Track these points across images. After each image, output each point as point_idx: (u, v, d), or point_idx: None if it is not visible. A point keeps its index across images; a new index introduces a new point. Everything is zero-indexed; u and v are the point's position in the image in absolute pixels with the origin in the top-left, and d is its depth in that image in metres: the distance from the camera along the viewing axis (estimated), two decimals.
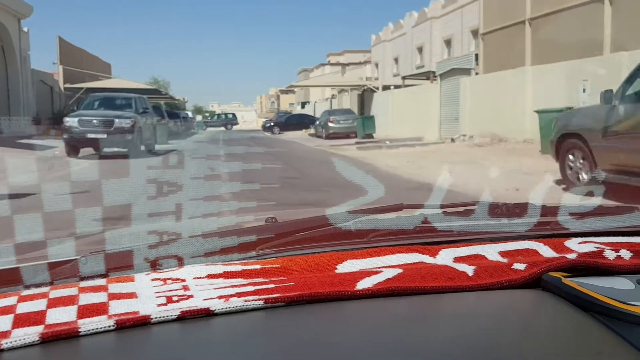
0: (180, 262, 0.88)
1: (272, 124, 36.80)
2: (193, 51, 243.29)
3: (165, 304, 0.68)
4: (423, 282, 0.76)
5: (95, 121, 14.05)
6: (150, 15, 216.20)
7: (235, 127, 53.10)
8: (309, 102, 51.27)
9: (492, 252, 0.89)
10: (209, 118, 61.23)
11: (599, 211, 1.11)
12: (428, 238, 0.99)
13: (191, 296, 0.71)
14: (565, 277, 0.76)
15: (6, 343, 0.59)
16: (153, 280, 0.77)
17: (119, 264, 0.86)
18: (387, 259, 0.85)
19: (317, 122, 27.51)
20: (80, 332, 0.62)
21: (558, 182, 6.85)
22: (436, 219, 1.06)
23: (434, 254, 0.88)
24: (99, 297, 0.70)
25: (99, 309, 0.66)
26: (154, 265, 0.87)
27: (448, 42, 30.02)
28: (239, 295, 0.71)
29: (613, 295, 0.69)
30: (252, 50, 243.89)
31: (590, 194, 1.30)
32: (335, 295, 0.72)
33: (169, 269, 0.83)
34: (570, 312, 0.68)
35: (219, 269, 0.81)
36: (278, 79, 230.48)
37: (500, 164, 9.95)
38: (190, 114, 40.06)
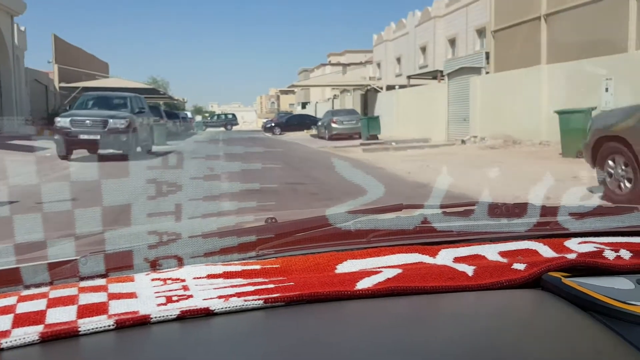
0: (180, 262, 0.88)
1: (273, 124, 36.27)
2: (193, 51, 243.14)
3: (165, 304, 0.68)
4: (423, 282, 0.76)
5: (88, 121, 13.39)
6: (150, 15, 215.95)
7: (235, 128, 52.85)
8: (309, 103, 51.09)
9: (491, 252, 0.89)
10: (209, 118, 61.02)
11: (598, 211, 1.11)
12: (428, 238, 0.99)
13: (191, 296, 0.71)
14: (565, 277, 0.76)
15: (6, 342, 0.59)
16: (153, 280, 0.77)
17: (119, 264, 0.86)
18: (386, 259, 0.85)
19: (320, 123, 26.88)
20: (80, 331, 0.62)
21: (590, 189, 6.35)
22: (436, 219, 1.06)
23: (433, 254, 0.88)
24: (98, 297, 0.70)
25: (98, 309, 0.67)
26: (154, 265, 0.87)
27: (452, 42, 29.85)
28: (238, 295, 0.71)
29: (613, 295, 0.69)
30: (252, 50, 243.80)
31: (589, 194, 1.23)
32: (335, 295, 0.72)
33: (169, 269, 0.83)
34: (570, 312, 0.68)
35: (219, 269, 0.81)
36: (278, 79, 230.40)
37: (524, 169, 9.24)
38: (189, 114, 39.68)
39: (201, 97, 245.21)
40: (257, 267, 0.82)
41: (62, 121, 13.37)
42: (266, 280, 0.77)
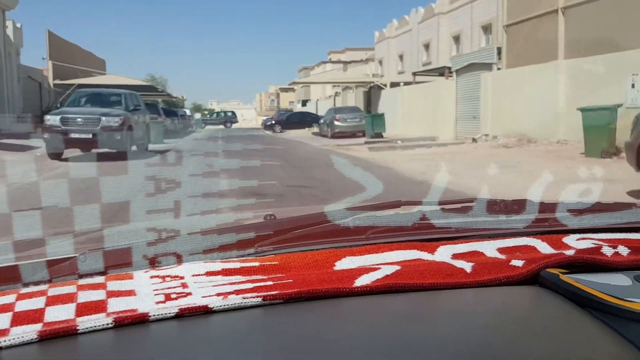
0: (179, 259, 0.88)
1: (273, 122, 35.67)
2: (192, 49, 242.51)
3: (163, 302, 0.68)
4: (421, 278, 0.76)
5: (79, 119, 12.68)
6: (149, 12, 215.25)
7: (234, 125, 52.63)
8: (309, 100, 50.74)
9: (490, 248, 0.89)
10: (208, 116, 60.59)
11: (597, 208, 1.10)
12: (426, 235, 0.99)
13: (189, 294, 0.71)
14: (563, 273, 0.76)
15: (5, 341, 0.59)
16: (151, 277, 0.77)
17: (118, 262, 0.86)
18: (385, 256, 0.85)
19: (322, 121, 26.19)
20: (78, 329, 0.61)
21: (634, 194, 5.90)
22: (434, 215, 1.06)
23: (432, 251, 0.88)
24: (97, 295, 0.70)
25: (97, 307, 0.66)
26: (153, 262, 0.87)
27: (457, 38, 29.45)
28: (237, 292, 0.70)
29: (610, 291, 0.68)
30: (251, 48, 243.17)
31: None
32: (334, 292, 0.72)
33: (168, 267, 0.83)
34: (568, 308, 0.68)
35: (218, 266, 0.81)
36: (278, 77, 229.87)
37: (547, 170, 8.53)
38: (188, 112, 39.11)
39: (200, 94, 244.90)
40: (256, 264, 0.82)
41: (52, 119, 12.68)
42: (265, 277, 0.77)
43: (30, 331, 0.60)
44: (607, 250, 0.84)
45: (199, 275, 0.77)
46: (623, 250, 0.85)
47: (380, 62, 37.84)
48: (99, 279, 0.76)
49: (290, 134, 29.50)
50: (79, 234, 1.11)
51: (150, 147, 15.56)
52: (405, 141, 17.88)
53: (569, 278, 0.73)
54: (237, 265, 0.81)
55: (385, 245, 0.89)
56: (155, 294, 0.71)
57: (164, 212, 1.26)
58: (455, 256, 0.86)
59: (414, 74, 24.93)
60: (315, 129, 29.14)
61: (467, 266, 0.80)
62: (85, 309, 0.66)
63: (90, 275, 0.81)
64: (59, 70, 28.65)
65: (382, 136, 20.69)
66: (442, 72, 22.52)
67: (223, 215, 1.39)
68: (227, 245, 0.91)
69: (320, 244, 0.94)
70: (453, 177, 8.38)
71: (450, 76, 19.96)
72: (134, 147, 13.82)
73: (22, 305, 0.67)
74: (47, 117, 12.89)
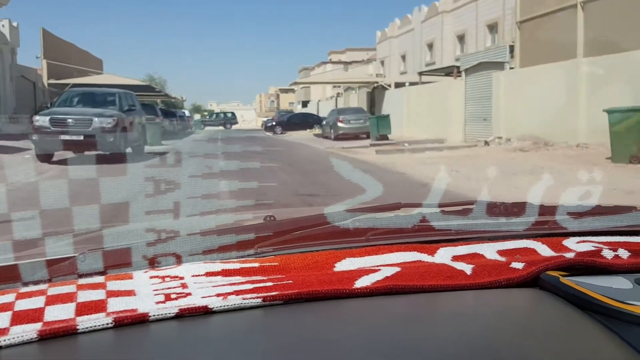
0: (179, 259, 0.88)
1: (274, 123, 34.99)
2: (192, 49, 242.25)
3: (163, 302, 0.68)
4: (421, 280, 0.76)
5: (70, 120, 11.97)
6: (148, 13, 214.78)
7: (234, 127, 52.13)
8: (310, 101, 50.27)
9: (490, 251, 0.89)
10: (208, 117, 60.07)
11: (597, 211, 1.09)
12: (426, 237, 0.99)
13: (189, 294, 0.71)
14: (563, 276, 0.75)
15: (4, 340, 0.59)
16: (151, 277, 0.77)
17: (117, 262, 0.86)
18: (385, 258, 0.85)
19: (324, 122, 25.43)
20: (78, 329, 0.61)
21: None
22: (434, 217, 1.06)
23: (432, 253, 0.88)
24: (97, 295, 0.70)
25: (97, 307, 0.66)
26: (152, 262, 0.87)
27: (461, 38, 29.02)
28: (237, 293, 0.70)
29: (611, 294, 0.68)
30: (251, 48, 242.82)
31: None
32: (333, 293, 0.72)
33: (167, 267, 0.83)
34: (568, 311, 0.68)
35: (217, 266, 0.81)
36: (278, 78, 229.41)
37: (577, 177, 7.82)
38: (187, 113, 38.45)
39: (200, 95, 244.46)
40: (256, 265, 0.82)
41: (40, 120, 11.95)
42: (264, 278, 0.77)
43: (29, 330, 0.60)
44: (608, 253, 0.84)
45: (198, 275, 0.78)
46: (623, 253, 0.84)
47: (382, 63, 37.60)
48: (99, 279, 0.76)
49: (291, 136, 28.72)
50: (79, 234, 1.10)
51: (147, 149, 15.02)
52: (413, 144, 17.16)
53: (569, 281, 0.73)
54: (237, 266, 0.81)
55: (385, 247, 0.89)
56: (155, 294, 0.70)
57: (163, 213, 1.25)
58: (455, 258, 0.86)
59: (420, 73, 24.19)
60: (317, 131, 28.52)
61: (467, 268, 0.79)
62: (85, 309, 0.66)
63: (90, 275, 0.81)
64: (53, 69, 27.80)
65: (387, 138, 19.92)
66: (449, 71, 21.85)
67: (223, 216, 1.39)
68: (226, 246, 0.91)
69: (320, 246, 0.94)
70: (475, 184, 7.66)
71: (459, 76, 19.17)
72: (129, 149, 13.27)
73: (22, 305, 0.67)
74: (36, 117, 12.16)
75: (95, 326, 0.62)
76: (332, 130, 23.00)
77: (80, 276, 0.82)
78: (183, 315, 0.65)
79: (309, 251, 0.89)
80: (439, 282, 0.76)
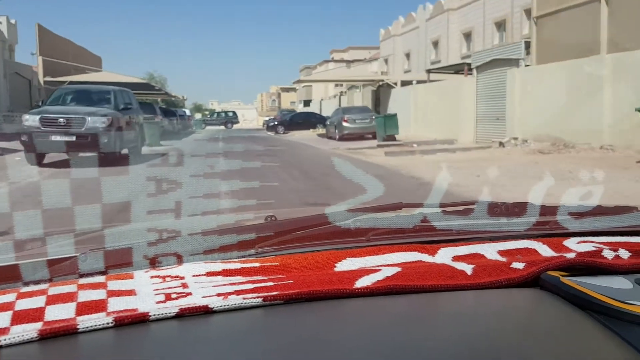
0: (180, 259, 0.88)
1: (276, 122, 34.16)
2: (192, 49, 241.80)
3: (164, 302, 0.68)
4: (422, 280, 0.76)
5: (61, 119, 11.23)
6: (149, 11, 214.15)
7: (235, 126, 51.29)
8: (311, 100, 49.76)
9: (491, 251, 0.89)
10: (209, 116, 59.37)
11: (597, 211, 1.09)
12: (427, 237, 0.99)
13: (190, 294, 0.71)
14: (563, 276, 0.75)
15: (5, 339, 0.59)
16: (152, 277, 0.77)
17: (118, 262, 0.86)
18: (386, 258, 0.85)
19: (328, 122, 24.64)
20: (78, 329, 0.61)
21: None
22: (435, 218, 1.06)
23: (433, 253, 0.88)
24: (97, 294, 0.70)
25: (97, 306, 0.66)
26: (153, 262, 0.87)
27: (467, 35, 28.53)
28: (237, 292, 0.70)
29: (611, 294, 0.68)
30: (252, 47, 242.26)
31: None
32: (334, 293, 0.71)
33: (168, 267, 0.83)
34: (569, 311, 0.68)
35: (218, 266, 0.81)
36: (279, 77, 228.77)
37: (622, 185, 7.08)
38: (187, 112, 37.76)
39: (201, 94, 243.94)
40: (257, 265, 0.81)
41: (30, 119, 11.22)
42: (265, 278, 0.77)
43: (30, 330, 0.60)
44: (608, 254, 0.84)
45: (199, 275, 0.78)
46: (624, 254, 0.84)
47: (386, 61, 37.22)
48: (100, 279, 0.76)
49: (294, 136, 27.92)
50: (80, 234, 1.10)
51: (146, 149, 14.36)
52: (422, 144, 16.44)
53: (570, 281, 0.73)
54: (238, 265, 0.81)
55: (386, 247, 0.89)
56: (156, 294, 0.70)
57: (164, 213, 1.24)
58: (456, 258, 0.86)
59: (428, 71, 23.44)
60: (321, 131, 27.84)
61: (467, 268, 0.79)
62: (85, 308, 0.66)
63: (91, 274, 0.81)
64: (50, 66, 27.11)
65: (394, 139, 19.07)
66: (458, 69, 21.13)
67: (224, 216, 1.39)
68: (227, 246, 0.91)
69: (321, 246, 0.94)
70: (501, 191, 6.92)
71: (470, 73, 18.36)
72: (125, 150, 12.59)
73: (23, 304, 0.67)
74: (26, 116, 11.41)
75: (95, 326, 0.62)
76: (336, 130, 22.27)
77: (81, 276, 0.81)
78: (183, 315, 0.65)
79: (309, 251, 0.89)
80: (439, 282, 0.75)
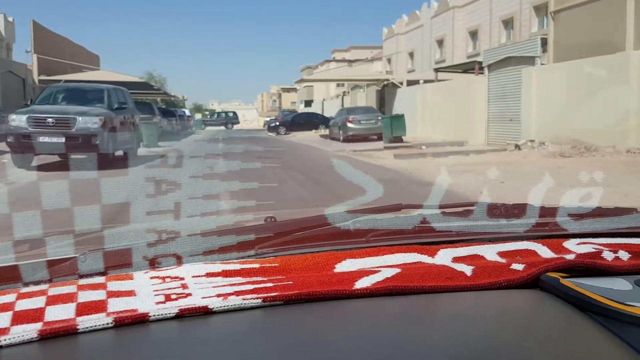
0: (179, 260, 0.88)
1: (277, 123, 33.41)
2: (192, 49, 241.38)
3: (163, 302, 0.68)
4: (421, 281, 0.76)
5: (50, 119, 10.54)
6: (150, 11, 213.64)
7: (236, 126, 50.63)
8: (313, 101, 49.25)
9: (490, 252, 0.89)
10: (209, 117, 58.77)
11: (597, 212, 1.09)
12: (427, 238, 0.99)
13: (189, 294, 0.71)
14: (563, 277, 0.75)
15: (4, 340, 0.59)
16: (152, 278, 0.77)
17: (118, 262, 0.86)
18: (385, 259, 0.85)
19: (332, 122, 23.81)
20: (78, 329, 0.61)
21: None
22: (435, 219, 1.06)
23: (432, 254, 0.88)
24: (97, 295, 0.70)
25: (97, 307, 0.66)
26: (153, 263, 0.87)
27: (473, 34, 27.89)
28: (237, 293, 0.70)
29: (611, 295, 0.68)
30: (252, 47, 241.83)
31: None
32: (334, 294, 0.72)
33: (168, 267, 0.83)
34: (568, 312, 0.68)
35: (218, 267, 0.81)
36: (279, 77, 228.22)
37: None
38: (187, 112, 37.10)
39: (201, 95, 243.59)
40: (256, 265, 0.81)
41: (17, 119, 10.52)
42: (265, 279, 0.77)
43: (30, 330, 0.60)
44: (608, 255, 0.84)
45: (199, 276, 0.77)
46: (624, 255, 0.84)
47: (389, 60, 36.67)
48: (99, 279, 0.76)
49: (296, 137, 27.25)
50: (80, 234, 1.10)
51: (143, 150, 13.87)
52: (430, 146, 15.73)
53: (570, 282, 0.73)
54: (237, 266, 0.81)
55: (386, 248, 0.89)
56: (155, 295, 0.70)
57: (164, 214, 1.24)
58: (456, 259, 0.86)
59: (436, 70, 22.69)
60: (323, 131, 27.18)
61: (467, 269, 0.79)
62: (85, 309, 0.66)
63: (91, 275, 0.81)
64: (44, 64, 26.15)
65: (402, 140, 18.29)
66: (467, 68, 20.39)
67: (223, 217, 1.39)
68: (227, 246, 0.91)
69: (321, 247, 0.94)
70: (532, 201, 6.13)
71: (481, 72, 17.61)
72: (120, 152, 11.96)
73: (23, 305, 0.67)
74: (12, 116, 10.70)
75: (95, 326, 0.62)
76: (340, 131, 21.42)
77: (81, 276, 0.82)
78: (183, 315, 0.65)
79: (309, 252, 0.89)
80: (439, 283, 0.76)
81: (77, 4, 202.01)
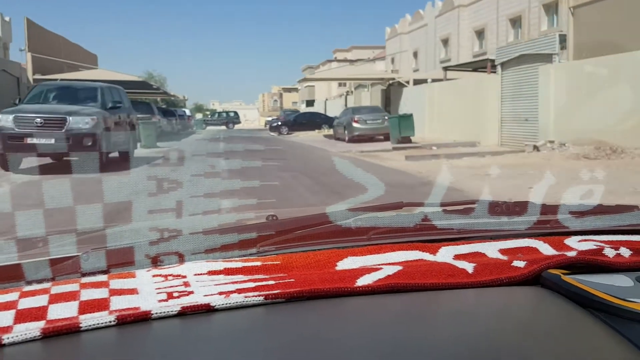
0: (181, 258, 0.88)
1: (280, 123, 32.78)
2: (193, 48, 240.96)
3: (165, 300, 0.68)
4: (423, 279, 0.76)
5: (39, 119, 9.88)
6: (150, 11, 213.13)
7: (237, 126, 50.07)
8: (314, 101, 48.66)
9: (492, 249, 0.89)
10: (209, 116, 58.19)
11: (598, 210, 1.09)
12: (428, 236, 0.99)
13: (192, 292, 0.71)
14: (564, 274, 0.75)
15: (8, 338, 0.59)
16: (154, 276, 0.77)
17: (120, 260, 0.86)
18: (387, 256, 0.85)
19: (337, 122, 23.12)
20: (81, 327, 0.62)
21: None
22: (436, 217, 1.06)
23: (434, 252, 0.88)
24: (100, 293, 0.70)
25: (100, 305, 0.67)
26: (155, 261, 0.87)
27: (480, 33, 27.23)
28: (239, 291, 0.71)
29: (612, 292, 0.68)
30: (253, 47, 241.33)
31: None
32: (335, 291, 0.72)
33: (170, 265, 0.83)
34: (570, 308, 0.68)
35: (220, 265, 0.81)
36: (280, 77, 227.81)
37: None
38: (187, 112, 36.45)
39: (202, 95, 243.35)
40: (258, 263, 0.82)
41: (2, 119, 9.87)
42: (267, 276, 0.77)
43: (33, 328, 0.61)
44: (609, 252, 0.84)
45: (201, 274, 0.77)
46: (625, 252, 0.84)
47: (392, 60, 36.01)
48: (102, 278, 0.76)
49: (299, 137, 26.61)
50: (82, 233, 1.10)
51: (142, 151, 13.36)
52: (441, 147, 15.07)
53: (571, 279, 0.73)
54: (239, 264, 0.81)
55: (387, 246, 0.88)
56: (158, 293, 0.70)
57: (166, 212, 1.22)
58: (457, 257, 0.86)
59: (445, 69, 22.00)
60: (327, 131, 26.65)
61: (469, 267, 0.79)
62: (88, 307, 0.66)
63: (93, 273, 0.82)
64: (39, 63, 25.23)
65: (410, 141, 17.59)
66: (477, 66, 19.68)
67: (225, 215, 1.39)
68: (229, 245, 0.91)
69: (322, 245, 0.94)
70: None
71: (493, 71, 16.87)
72: (115, 153, 11.28)
73: (25, 303, 0.67)
74: None
75: (98, 324, 0.62)
76: (346, 131, 20.81)
77: (84, 275, 0.82)
78: (185, 313, 0.66)
79: (311, 250, 0.89)
80: (440, 280, 0.75)
81: (77, 4, 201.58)
